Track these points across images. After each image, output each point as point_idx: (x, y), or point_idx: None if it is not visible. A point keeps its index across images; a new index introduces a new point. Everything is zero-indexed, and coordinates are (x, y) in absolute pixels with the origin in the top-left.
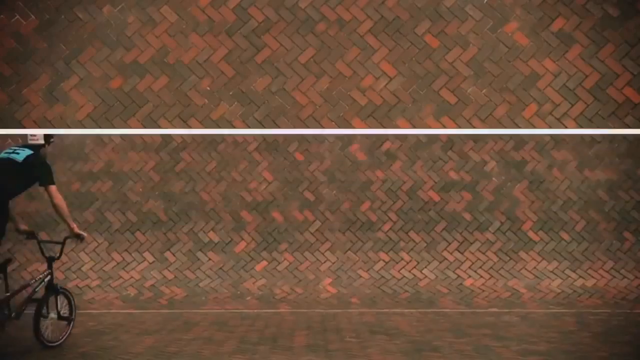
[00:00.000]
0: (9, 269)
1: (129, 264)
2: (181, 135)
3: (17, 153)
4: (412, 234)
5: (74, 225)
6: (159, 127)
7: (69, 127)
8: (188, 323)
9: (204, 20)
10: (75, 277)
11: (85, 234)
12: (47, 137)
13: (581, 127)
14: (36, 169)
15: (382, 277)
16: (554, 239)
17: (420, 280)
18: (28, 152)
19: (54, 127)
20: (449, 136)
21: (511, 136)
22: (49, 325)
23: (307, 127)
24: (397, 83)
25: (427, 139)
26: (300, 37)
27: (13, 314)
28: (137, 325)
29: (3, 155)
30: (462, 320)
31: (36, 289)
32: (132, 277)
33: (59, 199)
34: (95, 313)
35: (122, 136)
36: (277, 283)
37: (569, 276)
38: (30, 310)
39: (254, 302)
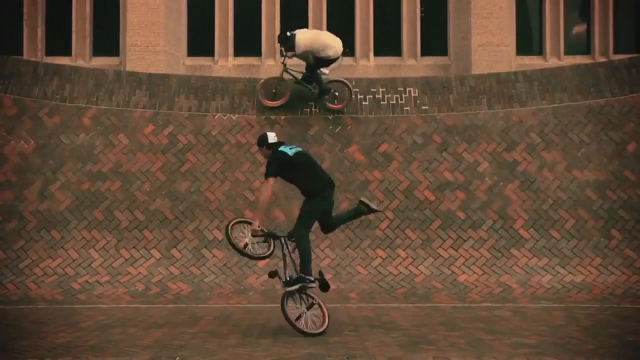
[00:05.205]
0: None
1: (137, 260)
2: (186, 137)
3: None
4: (408, 232)
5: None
6: (115, 217)
7: (54, 218)
8: (193, 317)
9: (147, 143)
10: (85, 273)
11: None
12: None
13: None
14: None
15: (380, 273)
16: (544, 237)
17: (416, 276)
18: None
19: (44, 216)
20: (444, 138)
21: (503, 138)
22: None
23: (215, 217)
24: (276, 187)
25: (423, 140)
26: (211, 154)
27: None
28: (145, 319)
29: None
30: (456, 314)
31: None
32: (139, 273)
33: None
34: (105, 307)
35: (129, 138)
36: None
37: (559, 272)
38: None
39: (256, 297)
